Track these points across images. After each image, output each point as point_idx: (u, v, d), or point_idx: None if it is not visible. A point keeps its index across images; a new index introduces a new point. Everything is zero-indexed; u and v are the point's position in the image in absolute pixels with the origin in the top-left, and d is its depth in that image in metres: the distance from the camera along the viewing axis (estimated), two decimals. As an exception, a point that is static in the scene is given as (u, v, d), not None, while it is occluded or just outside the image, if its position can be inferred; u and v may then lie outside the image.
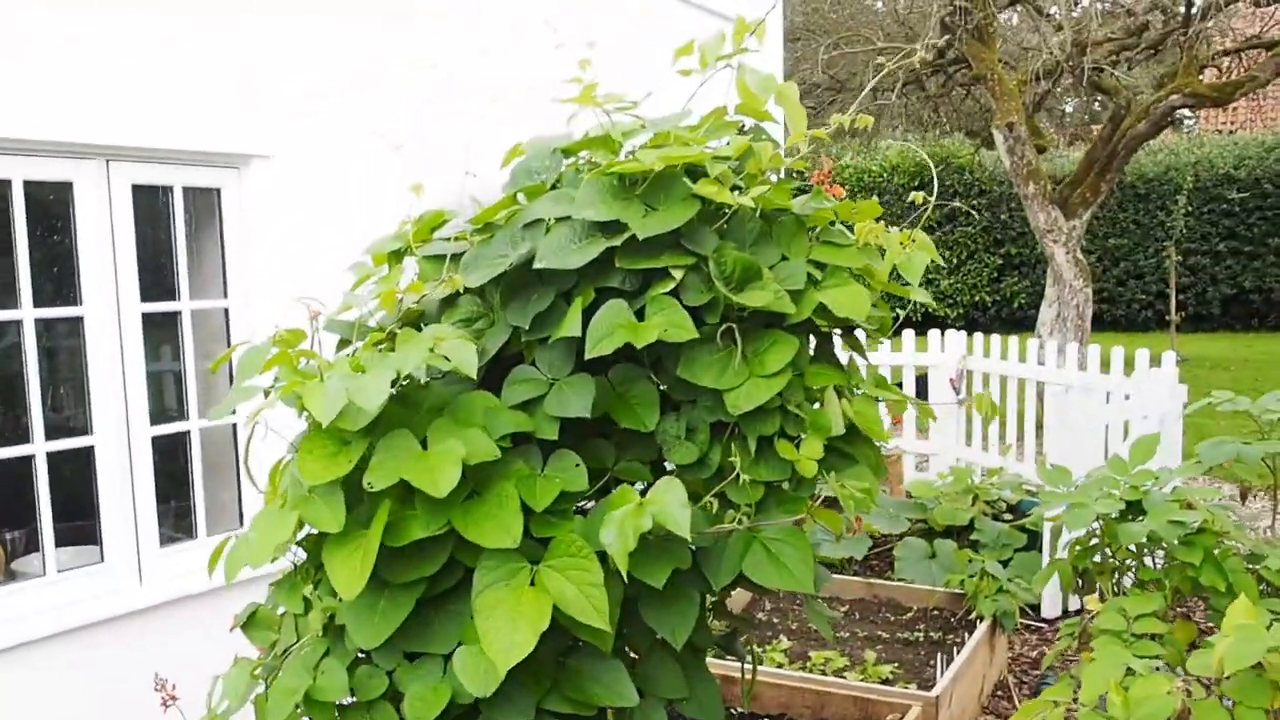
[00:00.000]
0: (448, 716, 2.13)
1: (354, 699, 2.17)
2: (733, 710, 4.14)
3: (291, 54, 4.52)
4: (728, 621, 2.56)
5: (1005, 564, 5.22)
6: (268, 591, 2.46)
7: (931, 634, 4.73)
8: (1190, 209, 16.84)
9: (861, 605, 5.17)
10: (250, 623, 2.41)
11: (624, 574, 1.88)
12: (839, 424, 2.12)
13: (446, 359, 1.89)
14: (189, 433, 4.51)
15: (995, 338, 7.34)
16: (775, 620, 5.05)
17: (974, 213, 17.16)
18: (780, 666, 4.37)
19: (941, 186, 17.21)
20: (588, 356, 1.97)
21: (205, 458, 4.60)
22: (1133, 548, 2.56)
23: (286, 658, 2.26)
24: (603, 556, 1.93)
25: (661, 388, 2.17)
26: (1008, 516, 5.88)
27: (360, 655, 2.20)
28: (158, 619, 4.21)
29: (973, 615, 4.68)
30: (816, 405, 2.15)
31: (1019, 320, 17.21)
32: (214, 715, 2.26)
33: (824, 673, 4.34)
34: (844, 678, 4.17)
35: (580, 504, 2.19)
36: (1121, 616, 2.24)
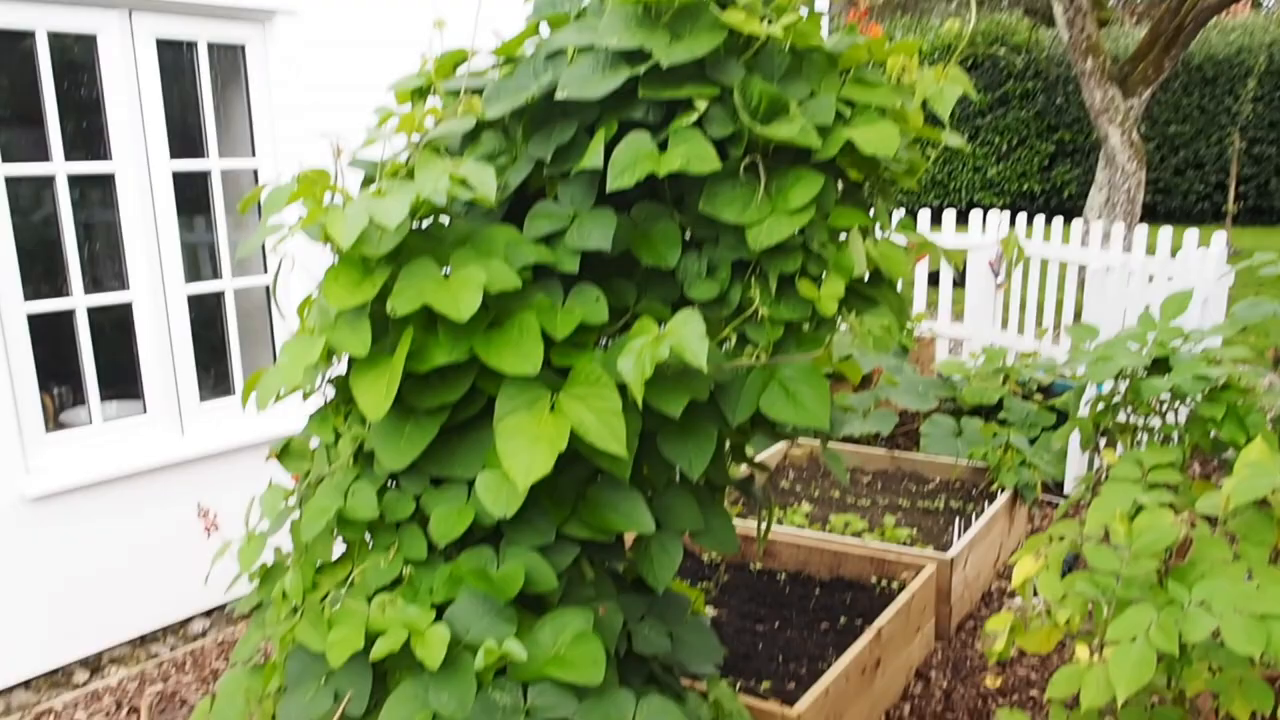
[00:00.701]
0: (472, 539, 2.21)
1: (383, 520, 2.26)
2: (750, 567, 4.25)
3: (322, -95, 4.45)
4: (748, 466, 2.61)
5: (1032, 442, 5.25)
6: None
7: (952, 503, 4.80)
8: (1260, 94, 16.16)
9: (884, 476, 5.24)
10: (285, 452, 2.49)
11: (639, 403, 1.92)
12: (862, 265, 2.13)
13: (466, 186, 1.91)
14: (223, 293, 4.59)
15: (1039, 219, 7.24)
16: (798, 488, 5.13)
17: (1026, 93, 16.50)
18: (800, 528, 4.46)
19: (995, 69, 16.65)
20: (610, 189, 1.98)
21: (240, 321, 4.69)
22: (1156, 404, 2.57)
23: (319, 484, 2.34)
24: (622, 390, 1.97)
25: (684, 227, 2.18)
26: (1038, 397, 5.89)
27: (388, 482, 2.29)
28: (198, 470, 4.36)
29: (994, 487, 4.73)
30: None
31: (1067, 211, 16.84)
32: (252, 535, 2.35)
33: (843, 535, 4.42)
34: (862, 539, 4.25)
35: (601, 342, 2.23)
36: (1137, 467, 2.25)
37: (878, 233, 2.33)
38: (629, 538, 2.38)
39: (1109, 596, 1.75)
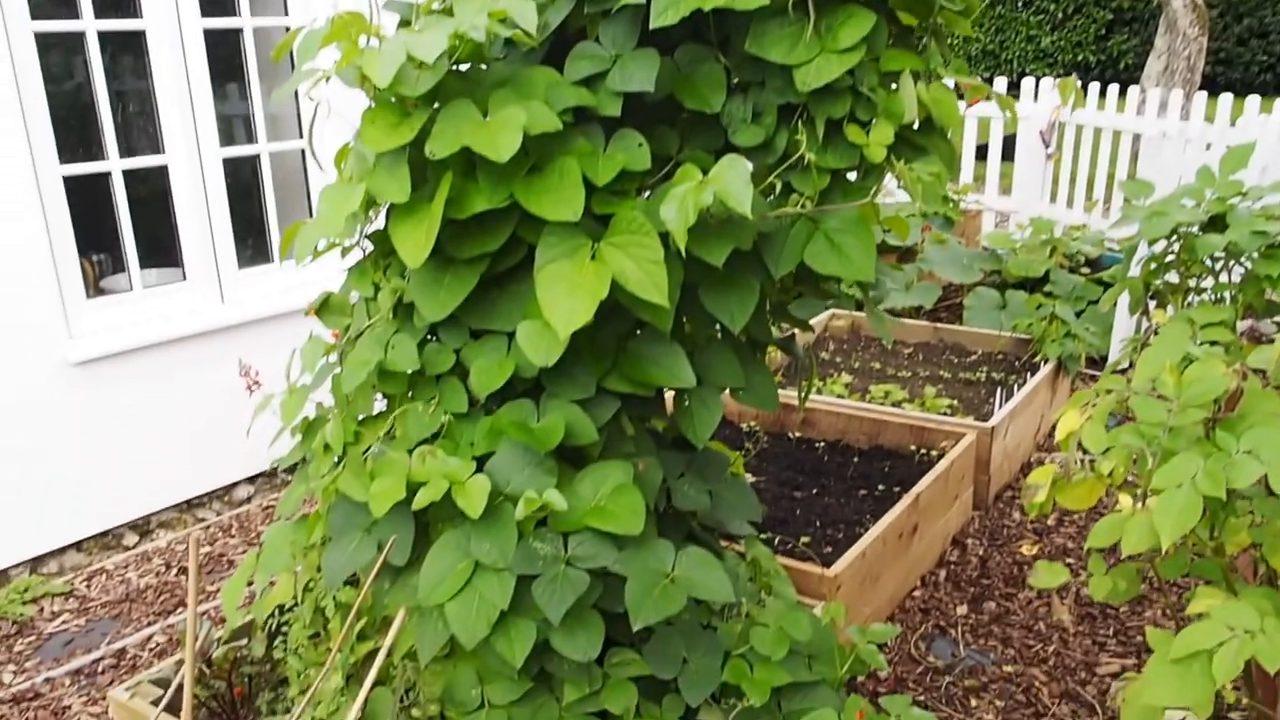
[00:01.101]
0: (512, 393, 2.21)
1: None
2: (789, 435, 4.26)
3: None
4: (789, 323, 2.58)
5: (1078, 315, 5.17)
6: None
7: (994, 375, 4.75)
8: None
9: (926, 349, 5.20)
10: (324, 308, 2.48)
11: (682, 252, 1.88)
12: (913, 111, 2.05)
13: (505, 23, 1.84)
14: (259, 157, 4.55)
15: (1093, 86, 6.98)
16: (838, 360, 5.10)
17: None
18: (839, 398, 4.45)
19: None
20: (653, 26, 1.91)
21: (276, 188, 4.66)
22: (1209, 263, 2.49)
23: (359, 338, 2.34)
24: (664, 240, 1.93)
25: (728, 71, 2.11)
26: (1086, 270, 5.78)
27: (428, 336, 2.28)
28: (239, 336, 4.39)
29: (1037, 359, 4.68)
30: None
31: (1123, 83, 16.11)
32: (294, 388, 2.36)
33: (883, 404, 4.41)
34: (901, 408, 4.23)
35: (643, 192, 2.18)
36: (1188, 325, 2.19)
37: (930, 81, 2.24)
38: (669, 398, 2.37)
39: (1155, 448, 1.72)
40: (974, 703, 3.06)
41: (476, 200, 1.95)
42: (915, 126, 2.12)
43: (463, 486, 2.06)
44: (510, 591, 2.01)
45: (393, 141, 1.90)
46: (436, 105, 1.98)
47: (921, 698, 3.08)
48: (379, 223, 2.32)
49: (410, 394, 2.28)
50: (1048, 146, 6.81)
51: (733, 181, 1.83)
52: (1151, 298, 2.71)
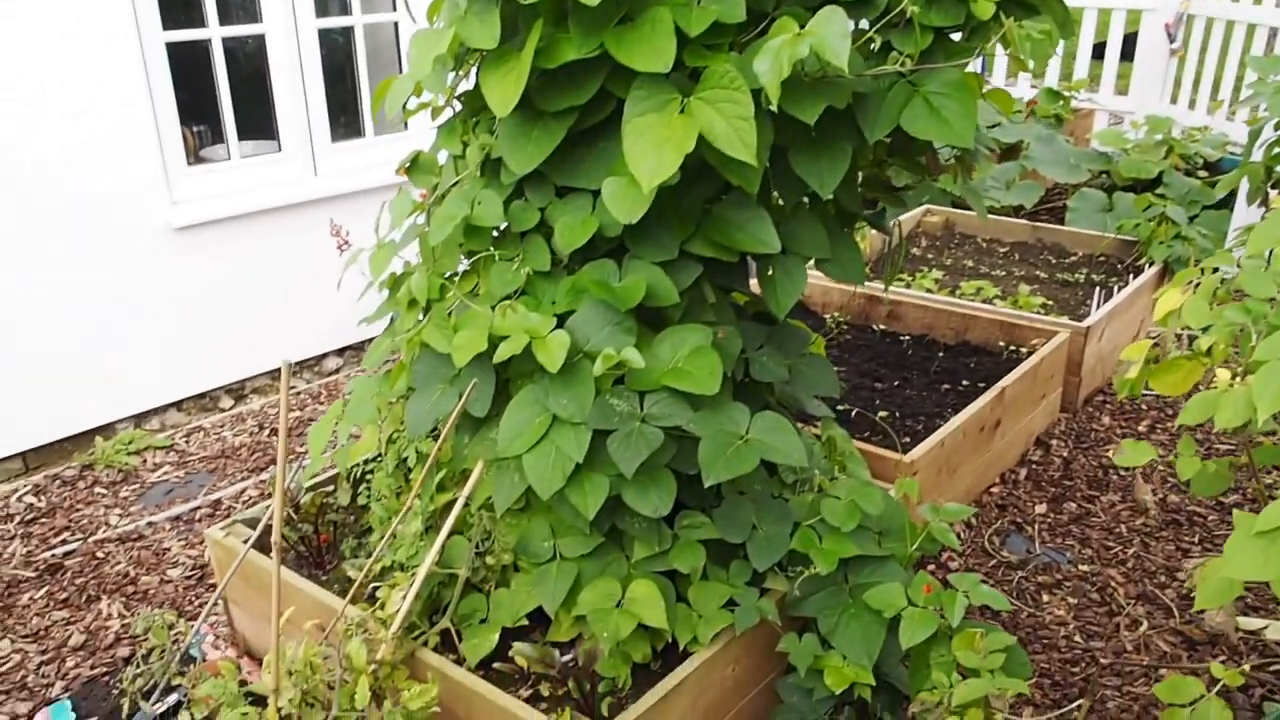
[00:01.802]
0: (596, 253, 2.21)
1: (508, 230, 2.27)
2: (873, 328, 4.20)
3: None
4: (881, 197, 2.52)
5: (1192, 220, 4.92)
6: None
7: (1094, 277, 4.60)
8: None
9: (1023, 248, 5.05)
10: (414, 165, 2.50)
11: (775, 109, 1.84)
12: (1023, -33, 1.95)
13: None
14: (353, 29, 4.56)
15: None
16: (929, 256, 4.99)
17: None
18: (928, 291, 4.36)
19: None
20: None
21: (370, 61, 4.67)
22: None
23: (447, 195, 2.35)
24: (756, 98, 1.89)
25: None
26: (1203, 174, 5.50)
27: (515, 195, 2.28)
28: (331, 209, 4.45)
29: (1142, 261, 4.51)
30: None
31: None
32: (382, 243, 2.40)
33: (973, 299, 4.31)
34: (993, 305, 4.14)
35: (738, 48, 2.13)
36: (1309, 211, 2.08)
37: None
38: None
39: (1261, 325, 1.65)
40: (1046, 598, 3.03)
41: (566, 49, 1.92)
42: (1026, -15, 2.02)
43: (543, 341, 2.08)
44: (586, 445, 2.05)
45: (484, -16, 1.88)
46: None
47: (994, 589, 3.07)
48: (468, 83, 2.32)
49: (494, 254, 2.30)
50: (1173, 41, 6.43)
51: (830, 34, 1.77)
52: (1273, 186, 2.57)
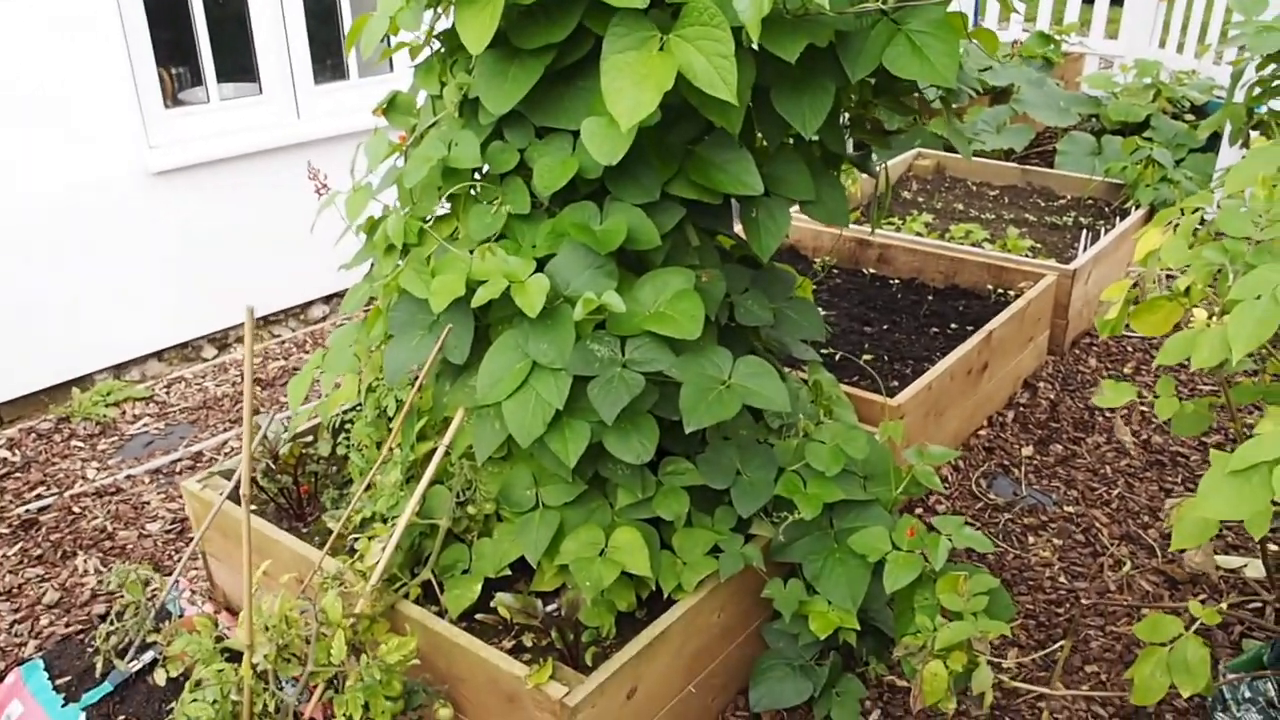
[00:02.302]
0: (577, 195, 2.17)
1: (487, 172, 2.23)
2: (863, 271, 4.18)
3: None
4: (866, 139, 2.48)
5: (1178, 163, 4.90)
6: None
7: (1082, 220, 4.57)
8: None
9: (1013, 191, 5.01)
10: (391, 106, 2.45)
11: (755, 45, 1.80)
12: (1010, -101, 1.90)
13: None
14: (336, -32, 4.45)
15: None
16: (920, 200, 4.95)
17: None
18: (918, 235, 4.33)
19: None
20: None
21: (354, 3, 4.57)
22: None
23: (425, 136, 2.31)
24: (737, 36, 1.84)
25: None
26: (1190, 118, 5.47)
27: (494, 136, 2.23)
28: (315, 152, 4.38)
29: (1129, 204, 4.48)
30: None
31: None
32: (358, 185, 2.35)
33: (962, 243, 4.28)
34: (981, 248, 4.11)
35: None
36: (1293, 149, 2.04)
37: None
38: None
39: (1239, 265, 1.63)
40: (1031, 540, 3.04)
41: (542, -17, 1.87)
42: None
43: (522, 285, 2.05)
44: (566, 391, 2.02)
45: (456, -82, 1.82)
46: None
47: (978, 532, 3.07)
48: (448, 21, 2.26)
49: (473, 193, 2.26)
50: (1160, -16, 6.36)
51: (811, -32, 1.72)
52: (1255, 127, 2.55)
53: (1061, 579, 2.88)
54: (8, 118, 3.54)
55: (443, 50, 2.34)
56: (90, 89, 3.72)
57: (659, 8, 1.92)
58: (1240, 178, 1.69)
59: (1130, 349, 4.10)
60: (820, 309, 3.84)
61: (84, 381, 3.98)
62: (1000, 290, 3.92)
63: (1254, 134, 2.57)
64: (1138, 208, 4.40)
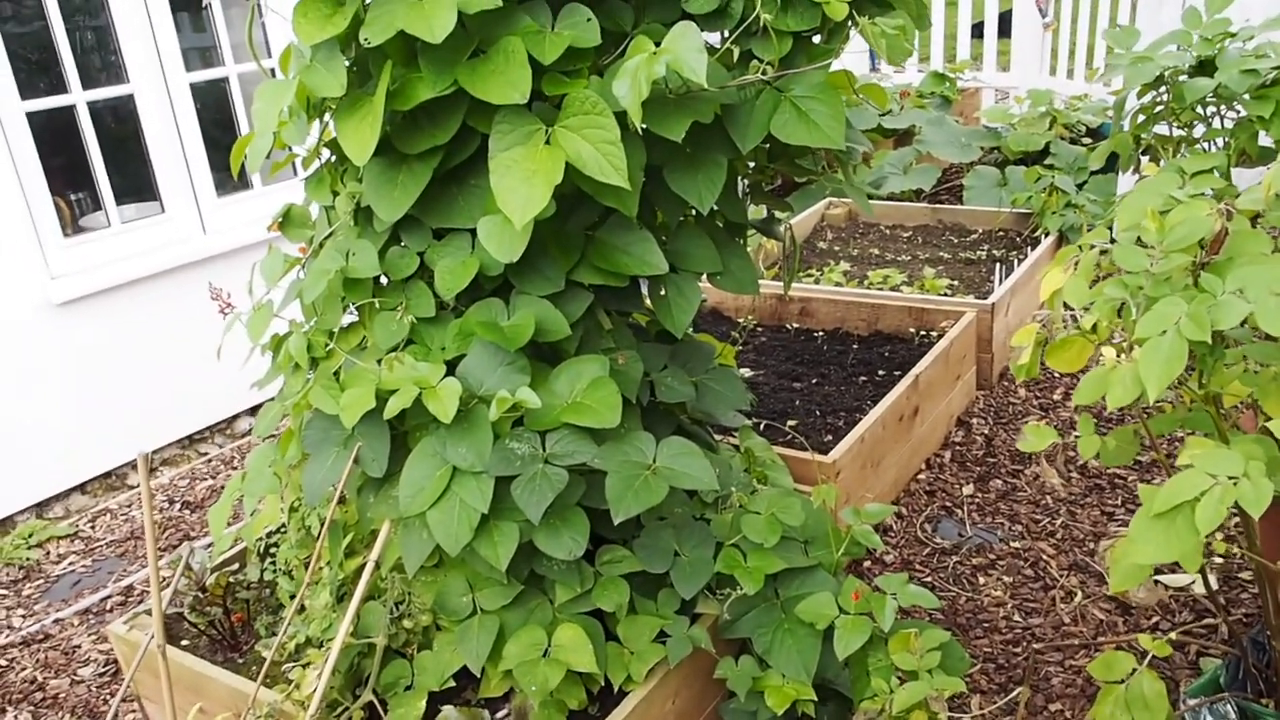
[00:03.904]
0: (482, 293, 2.14)
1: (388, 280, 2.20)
2: (786, 326, 4.19)
3: None
4: (767, 204, 2.49)
5: (1080, 186, 5.02)
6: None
7: (995, 253, 4.65)
8: None
9: (925, 231, 5.08)
10: (286, 221, 2.41)
11: (640, 129, 1.80)
12: (875, -37, 1.93)
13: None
14: (228, 80, 4.43)
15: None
16: (836, 249, 5.00)
17: None
18: (837, 285, 4.37)
19: None
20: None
21: (249, 106, 4.54)
22: (1200, 111, 2.38)
23: (321, 249, 2.27)
24: (622, 120, 1.84)
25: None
26: (1087, 141, 5.61)
27: (391, 241, 2.20)
28: (225, 266, 4.32)
29: (1038, 232, 4.56)
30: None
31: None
32: (259, 305, 2.30)
33: (881, 289, 4.32)
34: (900, 291, 4.15)
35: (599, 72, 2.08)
36: (1178, 176, 2.09)
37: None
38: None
39: (1139, 298, 1.64)
40: (982, 580, 3.03)
41: (420, 89, 1.86)
42: (880, -20, 2.01)
43: (433, 391, 2.00)
44: (489, 495, 1.98)
45: (325, 32, 1.81)
46: (372, -6, 1.88)
47: (929, 579, 3.05)
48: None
49: (378, 304, 2.22)
50: (1044, 16, 6.57)
51: (685, 50, 1.73)
52: (1144, 153, 2.60)
53: (1016, 617, 2.86)
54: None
55: (333, 160, 2.31)
56: (-16, 226, 3.63)
57: (541, 100, 1.92)
58: (1131, 212, 1.71)
59: (1057, 375, 4.15)
60: (747, 369, 3.84)
61: (4, 524, 3.84)
62: (923, 332, 3.95)
63: (1144, 159, 2.62)
64: (1047, 235, 4.48)
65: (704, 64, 1.71)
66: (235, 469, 4.26)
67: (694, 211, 2.28)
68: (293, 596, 2.40)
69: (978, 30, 7.50)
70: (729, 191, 2.12)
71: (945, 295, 4.13)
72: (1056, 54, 6.83)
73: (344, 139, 1.88)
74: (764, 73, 1.91)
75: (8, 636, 3.25)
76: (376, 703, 2.12)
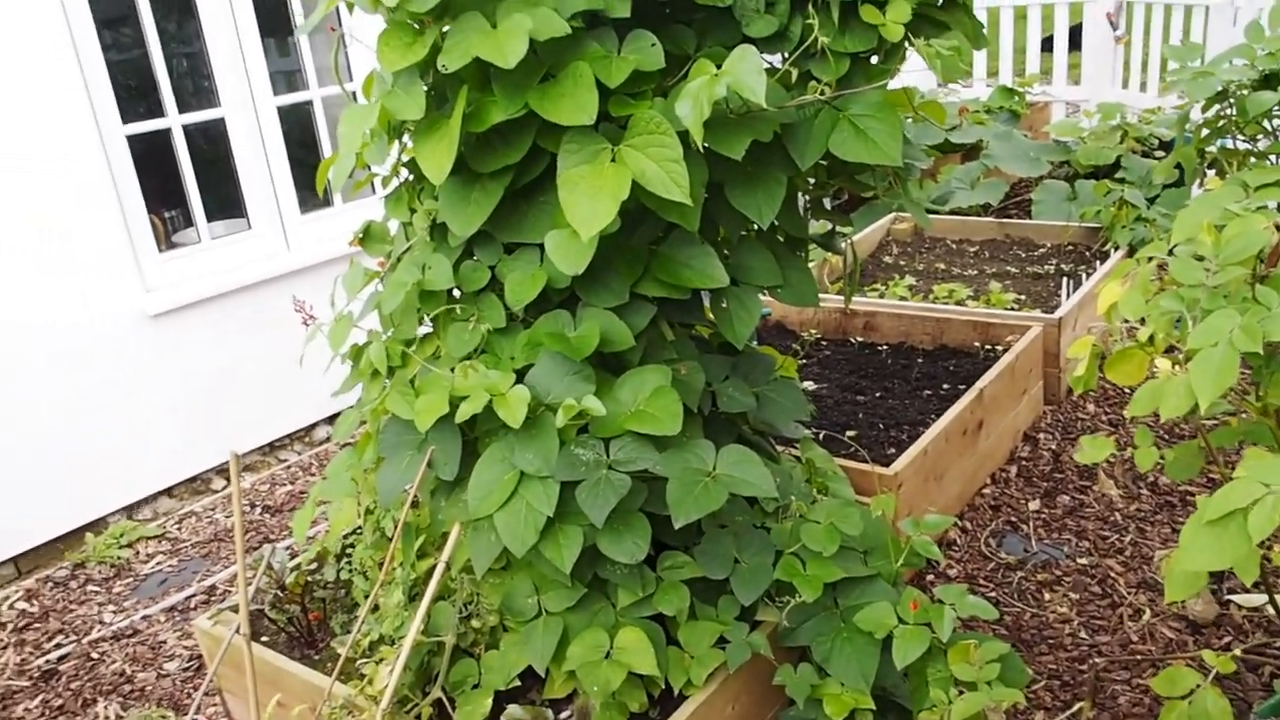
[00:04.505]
0: (549, 304, 2.23)
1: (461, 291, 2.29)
2: (851, 340, 4.22)
3: None
4: (828, 218, 2.54)
5: (1151, 201, 4.97)
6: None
7: (1063, 267, 4.62)
8: None
9: (992, 246, 5.07)
10: (367, 236, 2.53)
11: (702, 147, 1.87)
12: (932, -15, 1.98)
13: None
14: (312, 103, 4.60)
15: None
16: (901, 263, 5.01)
17: None
18: (902, 300, 4.38)
19: None
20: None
21: (333, 132, 4.71)
22: (1266, 124, 2.37)
23: (399, 262, 2.38)
24: (684, 139, 1.91)
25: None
26: (1160, 154, 5.55)
27: (465, 255, 2.30)
28: (307, 279, 4.48)
29: (1107, 247, 4.53)
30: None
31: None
32: (340, 316, 2.42)
33: (946, 303, 4.33)
34: (965, 305, 4.15)
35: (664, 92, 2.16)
36: (1241, 189, 2.10)
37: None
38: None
39: (1195, 311, 1.66)
40: (1048, 596, 3.03)
41: (493, 111, 1.95)
42: (937, 3, 2.05)
43: (503, 398, 2.09)
44: (555, 498, 2.05)
45: (406, 60, 1.91)
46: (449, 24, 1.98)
47: (993, 594, 3.06)
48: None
49: (459, 309, 2.32)
50: (1116, 29, 6.51)
51: (745, 72, 1.80)
52: (1210, 166, 2.60)
53: (1082, 634, 2.85)
54: (11, 271, 3.64)
55: (410, 178, 2.42)
56: (86, 245, 3.83)
57: (607, 121, 2.00)
58: (1187, 226, 1.74)
59: (1126, 390, 4.11)
60: (811, 382, 3.88)
61: (97, 525, 4.02)
62: (989, 346, 3.95)
63: (1210, 173, 2.62)
64: (1117, 249, 4.45)
65: (763, 85, 1.78)
66: (313, 475, 4.41)
67: (755, 226, 2.34)
68: (367, 595, 2.50)
69: (1047, 44, 7.44)
70: (789, 207, 2.18)
71: (1011, 309, 4.12)
72: (1128, 67, 6.76)
73: (422, 159, 1.98)
74: (822, 92, 1.97)
75: (99, 631, 3.42)
76: (445, 700, 2.21)
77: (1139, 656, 2.73)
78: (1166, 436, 3.76)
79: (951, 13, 2.06)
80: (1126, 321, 1.79)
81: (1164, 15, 6.51)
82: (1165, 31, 6.54)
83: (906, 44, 1.97)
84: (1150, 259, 1.82)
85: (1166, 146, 5.50)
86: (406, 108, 1.96)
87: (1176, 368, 1.62)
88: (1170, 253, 1.86)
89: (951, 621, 2.16)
